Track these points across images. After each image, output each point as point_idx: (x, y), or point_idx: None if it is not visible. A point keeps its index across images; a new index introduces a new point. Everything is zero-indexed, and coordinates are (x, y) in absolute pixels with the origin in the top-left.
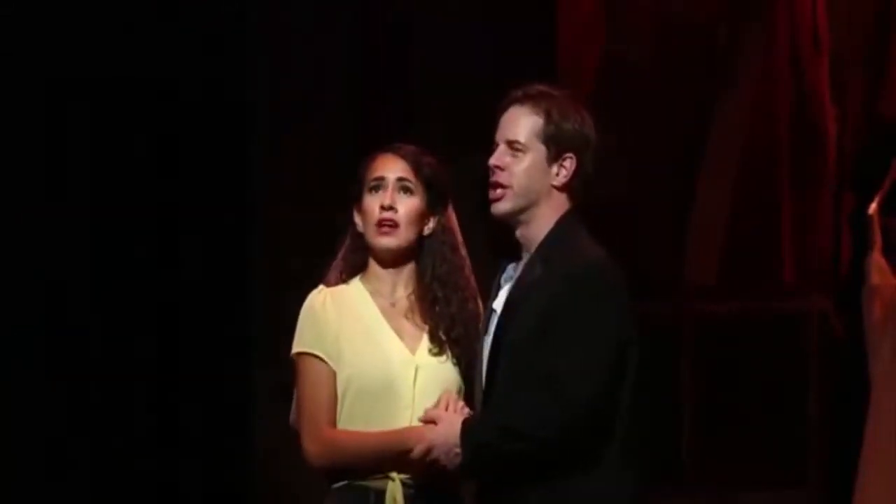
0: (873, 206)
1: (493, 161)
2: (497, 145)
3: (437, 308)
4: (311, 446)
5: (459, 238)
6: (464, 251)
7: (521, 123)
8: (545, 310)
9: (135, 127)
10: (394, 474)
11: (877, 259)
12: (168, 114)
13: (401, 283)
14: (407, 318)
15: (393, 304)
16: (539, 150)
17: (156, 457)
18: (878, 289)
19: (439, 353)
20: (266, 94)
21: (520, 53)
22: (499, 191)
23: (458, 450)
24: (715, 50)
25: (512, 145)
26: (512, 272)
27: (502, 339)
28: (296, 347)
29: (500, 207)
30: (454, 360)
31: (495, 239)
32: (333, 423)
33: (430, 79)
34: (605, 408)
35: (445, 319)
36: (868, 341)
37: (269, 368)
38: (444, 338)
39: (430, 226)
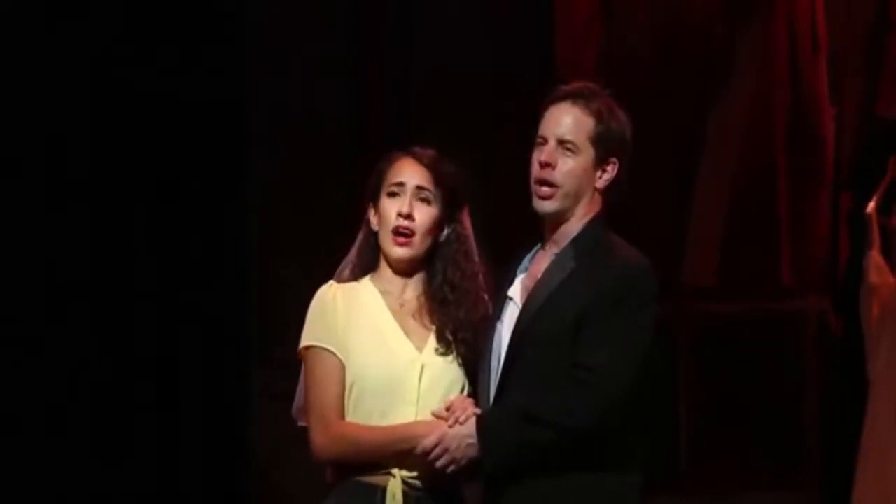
0: (871, 206)
1: (544, 158)
2: (545, 141)
3: (447, 309)
4: (320, 439)
5: (473, 244)
6: (478, 257)
7: (574, 123)
8: (589, 303)
9: (133, 128)
10: (395, 471)
11: (875, 258)
12: (166, 114)
13: (411, 285)
14: (415, 318)
15: (402, 305)
16: (589, 153)
17: (155, 457)
18: (876, 288)
19: (446, 353)
20: (264, 94)
21: (518, 53)
22: (546, 189)
23: (470, 441)
24: (713, 50)
25: (563, 144)
26: (528, 263)
27: (530, 329)
28: (305, 341)
29: (548, 206)
30: (460, 361)
31: (493, 236)
32: (342, 415)
33: (428, 78)
34: (631, 406)
35: (454, 321)
36: (866, 340)
37: (267, 369)
38: (451, 338)
39: (446, 233)
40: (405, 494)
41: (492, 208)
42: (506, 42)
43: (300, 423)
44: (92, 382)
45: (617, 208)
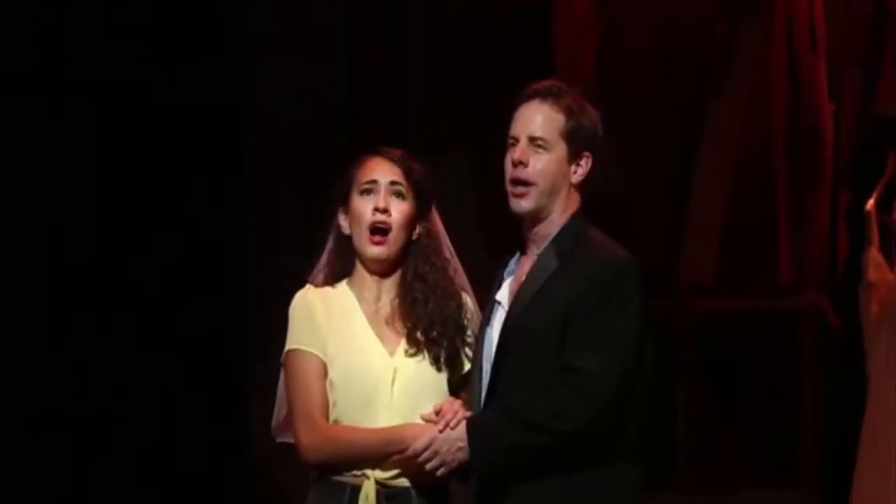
0: (870, 203)
1: (517, 156)
2: (517, 140)
3: (416, 308)
4: (307, 440)
5: (444, 240)
6: (449, 252)
7: (544, 120)
8: (574, 303)
9: (133, 128)
10: (369, 472)
11: (874, 255)
12: (166, 114)
13: (385, 289)
14: (388, 323)
15: (377, 311)
16: (561, 148)
17: (154, 456)
18: (875, 285)
19: (416, 354)
20: (263, 94)
21: (516, 53)
22: (520, 188)
23: (461, 444)
24: (711, 48)
25: (535, 141)
26: (514, 266)
27: (517, 331)
28: (289, 345)
29: (524, 205)
30: (432, 360)
31: (492, 236)
32: (327, 416)
33: (427, 78)
34: (624, 404)
35: (423, 319)
36: (865, 338)
37: (265, 368)
38: (421, 338)
39: (417, 231)
40: (378, 494)
41: (491, 208)
42: (504, 42)
43: (279, 440)
44: (91, 382)
45: (615, 206)
